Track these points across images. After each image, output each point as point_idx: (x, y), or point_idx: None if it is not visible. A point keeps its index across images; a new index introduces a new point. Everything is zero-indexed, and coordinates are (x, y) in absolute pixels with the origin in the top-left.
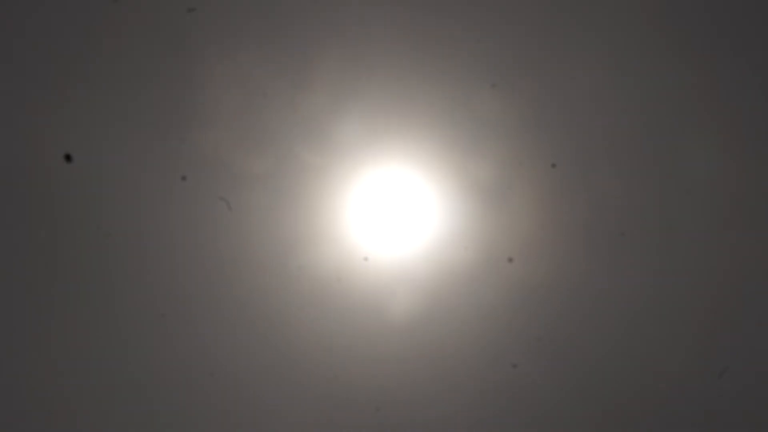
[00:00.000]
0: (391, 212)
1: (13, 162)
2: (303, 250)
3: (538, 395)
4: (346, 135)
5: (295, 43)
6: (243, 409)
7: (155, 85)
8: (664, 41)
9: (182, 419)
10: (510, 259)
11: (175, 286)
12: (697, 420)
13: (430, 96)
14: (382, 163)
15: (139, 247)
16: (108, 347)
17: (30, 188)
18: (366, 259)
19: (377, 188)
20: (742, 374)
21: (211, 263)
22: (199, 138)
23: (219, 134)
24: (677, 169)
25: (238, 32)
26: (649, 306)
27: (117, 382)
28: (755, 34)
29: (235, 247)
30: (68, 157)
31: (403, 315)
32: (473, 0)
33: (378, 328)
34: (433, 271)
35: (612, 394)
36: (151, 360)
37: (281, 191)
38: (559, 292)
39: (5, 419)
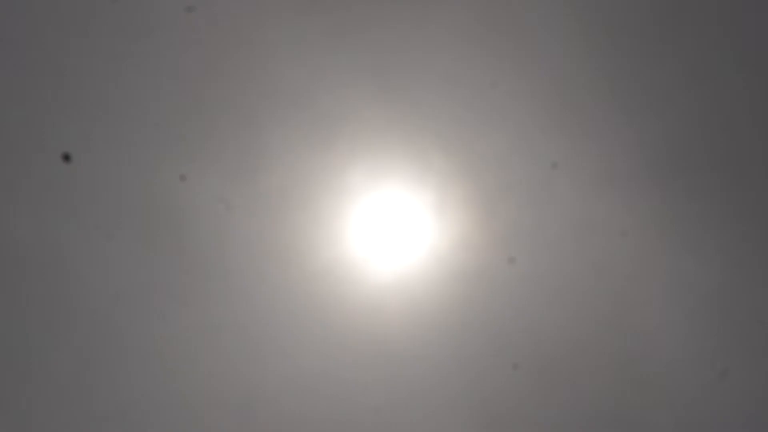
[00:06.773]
0: (391, 213)
1: (14, 162)
2: (303, 250)
3: (538, 395)
4: (346, 135)
5: (295, 45)
6: (241, 408)
7: (155, 85)
8: (664, 41)
9: (178, 418)
10: (510, 259)
11: (174, 286)
12: (698, 420)
13: (430, 98)
14: (382, 164)
15: (138, 246)
16: (108, 347)
17: (30, 188)
18: (366, 259)
19: (377, 188)
20: (743, 374)
21: (210, 263)
22: (200, 138)
23: (220, 135)
24: (677, 168)
25: (238, 31)
26: (650, 306)
27: (116, 383)
28: None
29: (234, 247)
30: (67, 157)
31: (402, 315)
32: None
33: (378, 328)
34: (434, 272)
35: (612, 394)
36: (151, 359)
37: (281, 192)
38: (559, 292)
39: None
